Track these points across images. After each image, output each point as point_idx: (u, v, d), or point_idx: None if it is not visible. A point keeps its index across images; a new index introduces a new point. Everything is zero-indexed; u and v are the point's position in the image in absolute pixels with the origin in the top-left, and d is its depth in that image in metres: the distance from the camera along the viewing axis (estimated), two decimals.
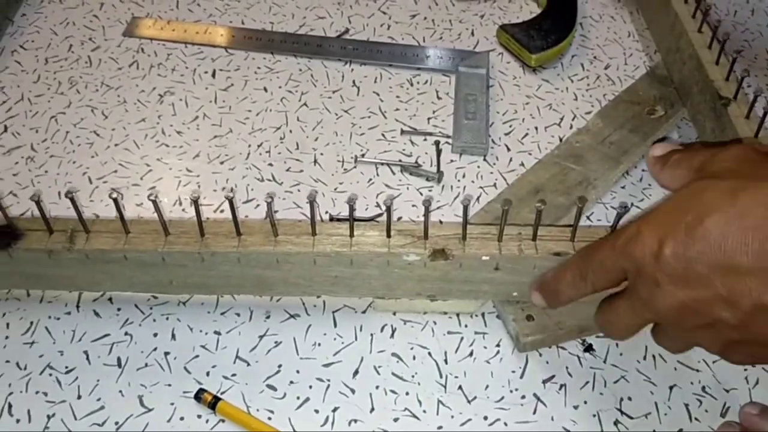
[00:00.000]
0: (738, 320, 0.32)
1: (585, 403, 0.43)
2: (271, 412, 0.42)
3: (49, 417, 0.41)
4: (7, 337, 0.44)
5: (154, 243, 0.40)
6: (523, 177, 0.54)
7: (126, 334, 0.45)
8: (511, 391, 0.43)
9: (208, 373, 0.43)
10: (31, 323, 0.45)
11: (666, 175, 0.38)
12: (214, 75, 0.62)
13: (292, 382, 0.43)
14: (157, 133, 0.57)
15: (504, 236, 0.41)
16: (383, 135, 0.58)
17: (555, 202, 0.51)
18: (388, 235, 0.41)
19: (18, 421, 0.41)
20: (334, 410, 0.42)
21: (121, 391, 0.42)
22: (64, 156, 0.55)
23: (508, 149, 0.58)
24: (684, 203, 0.34)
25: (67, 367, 0.43)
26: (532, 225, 0.41)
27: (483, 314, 0.47)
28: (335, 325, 0.46)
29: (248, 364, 0.44)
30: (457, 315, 0.46)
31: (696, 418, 0.42)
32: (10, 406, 0.41)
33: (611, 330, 0.38)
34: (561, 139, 0.58)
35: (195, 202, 0.39)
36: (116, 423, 0.41)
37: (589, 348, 0.45)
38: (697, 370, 0.44)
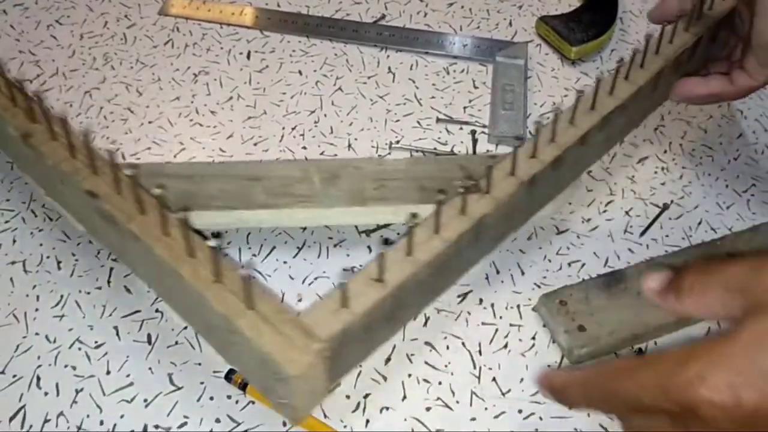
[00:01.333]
0: None
1: None
2: None
3: (77, 391, 0.40)
4: (37, 310, 0.44)
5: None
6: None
7: (157, 311, 0.44)
8: None
9: None
10: (62, 296, 0.44)
11: (692, 304, 0.32)
12: (248, 56, 0.62)
13: None
14: (191, 112, 0.57)
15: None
16: (418, 122, 0.57)
17: None
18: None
19: (46, 394, 0.40)
20: (366, 396, 0.41)
21: (150, 368, 0.42)
22: (98, 131, 0.54)
23: None
24: (761, 351, 0.28)
25: (96, 342, 0.42)
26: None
27: (518, 306, 0.46)
28: None
29: None
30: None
31: None
32: (38, 378, 0.41)
33: None
34: None
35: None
36: (145, 400, 0.40)
37: (639, 352, 0.44)
38: None
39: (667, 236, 0.50)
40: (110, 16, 0.64)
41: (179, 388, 0.41)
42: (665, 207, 0.52)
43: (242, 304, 0.31)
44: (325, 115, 0.57)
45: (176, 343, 0.43)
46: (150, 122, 0.55)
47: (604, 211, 0.52)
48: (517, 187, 0.38)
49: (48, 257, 0.46)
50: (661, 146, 0.56)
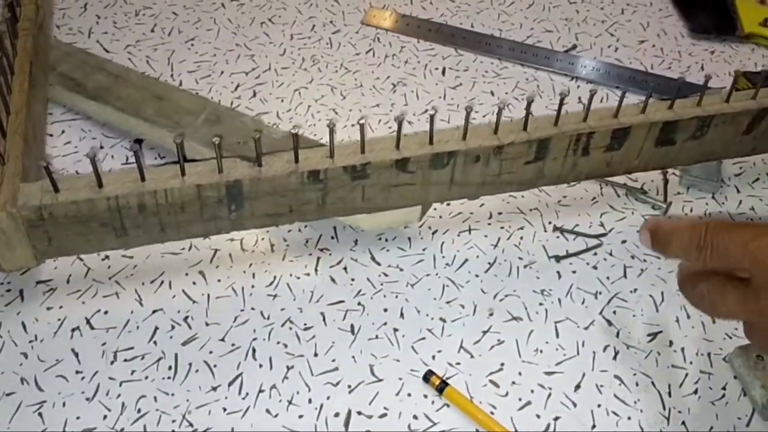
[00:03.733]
0: None
1: None
2: (494, 407, 0.42)
3: (288, 368, 0.44)
4: (252, 287, 0.47)
5: None
6: None
7: (359, 304, 0.47)
8: None
9: (433, 357, 0.45)
10: (275, 278, 0.48)
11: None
12: (443, 72, 0.64)
13: (514, 383, 0.44)
14: (389, 120, 0.60)
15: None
16: None
17: None
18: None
19: (260, 366, 0.44)
20: (556, 419, 0.42)
21: (353, 357, 0.44)
22: (306, 128, 0.58)
23: (738, 191, 0.56)
24: None
25: (305, 324, 0.46)
26: None
27: (709, 354, 0.46)
28: (557, 336, 0.46)
29: (471, 356, 0.45)
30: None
31: None
32: (254, 350, 0.44)
33: (706, 307, 0.38)
34: None
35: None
36: (349, 386, 0.43)
37: None
38: None
39: None
40: (317, 21, 0.68)
41: (379, 380, 0.43)
42: None
43: None
44: None
45: (376, 337, 0.45)
46: (353, 125, 0.59)
47: None
48: (288, 173, 0.40)
49: (262, 239, 0.50)
50: None
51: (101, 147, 0.56)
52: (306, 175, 0.40)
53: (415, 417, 0.42)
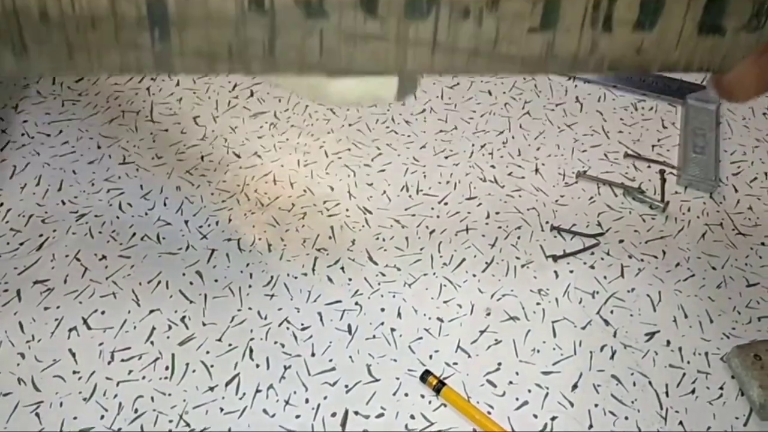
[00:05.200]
0: None
1: None
2: (491, 407, 0.42)
3: (285, 368, 0.44)
4: (250, 287, 0.47)
5: None
6: None
7: (356, 304, 0.47)
8: None
9: (431, 357, 0.45)
10: (272, 277, 0.48)
11: None
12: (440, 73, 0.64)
13: (511, 383, 0.44)
14: (387, 120, 0.59)
15: None
16: (605, 155, 0.58)
17: None
18: None
19: (258, 366, 0.44)
20: (553, 419, 0.42)
21: (351, 357, 0.44)
22: (303, 128, 0.58)
23: (736, 190, 0.56)
24: None
25: (302, 324, 0.46)
26: None
27: (706, 354, 0.46)
28: (554, 335, 0.46)
29: (469, 356, 0.45)
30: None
31: None
32: (251, 350, 0.44)
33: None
34: None
35: None
36: (346, 386, 0.43)
37: None
38: None
39: None
40: None
41: (377, 380, 0.43)
42: None
43: None
44: (513, 137, 0.59)
45: (374, 336, 0.45)
46: (350, 125, 0.59)
47: None
48: None
49: (260, 239, 0.50)
50: None
51: (98, 147, 0.56)
52: (247, 0, 0.32)
53: (412, 417, 0.42)
